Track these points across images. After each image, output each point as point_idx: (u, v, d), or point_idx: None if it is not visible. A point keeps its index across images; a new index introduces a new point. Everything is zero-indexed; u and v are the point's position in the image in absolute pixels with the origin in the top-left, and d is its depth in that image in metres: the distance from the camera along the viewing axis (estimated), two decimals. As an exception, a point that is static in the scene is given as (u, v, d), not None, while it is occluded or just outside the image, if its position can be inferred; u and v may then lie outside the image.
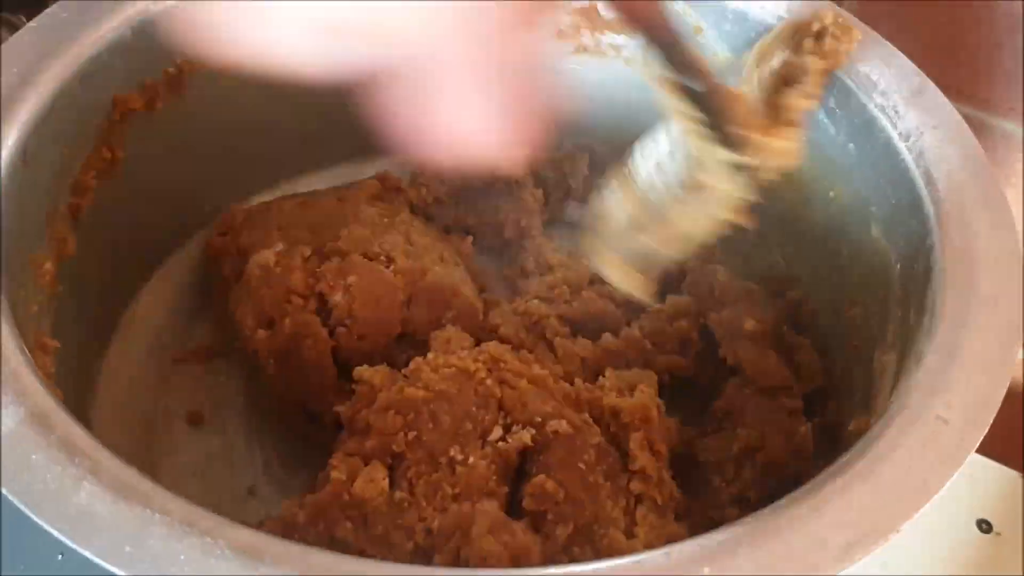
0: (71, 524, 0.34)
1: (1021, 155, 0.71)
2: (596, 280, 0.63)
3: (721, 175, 0.45)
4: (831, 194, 0.57)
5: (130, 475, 0.36)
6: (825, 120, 0.56)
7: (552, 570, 0.35)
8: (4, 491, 0.35)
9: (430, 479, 0.44)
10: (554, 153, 0.70)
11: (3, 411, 0.37)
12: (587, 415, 0.49)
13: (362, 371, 0.50)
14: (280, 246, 0.56)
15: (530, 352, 0.55)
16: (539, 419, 0.46)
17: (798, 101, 0.50)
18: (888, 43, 0.56)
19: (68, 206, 0.52)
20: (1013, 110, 0.70)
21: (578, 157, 0.70)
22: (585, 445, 0.46)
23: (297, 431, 0.55)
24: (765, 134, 0.45)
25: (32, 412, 0.37)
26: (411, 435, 0.45)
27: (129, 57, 0.53)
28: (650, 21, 0.41)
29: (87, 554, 0.33)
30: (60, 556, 0.55)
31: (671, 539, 0.43)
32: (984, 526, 0.64)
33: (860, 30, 0.55)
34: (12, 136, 0.47)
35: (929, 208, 0.48)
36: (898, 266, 0.49)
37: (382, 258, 0.56)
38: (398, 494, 0.43)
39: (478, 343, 0.53)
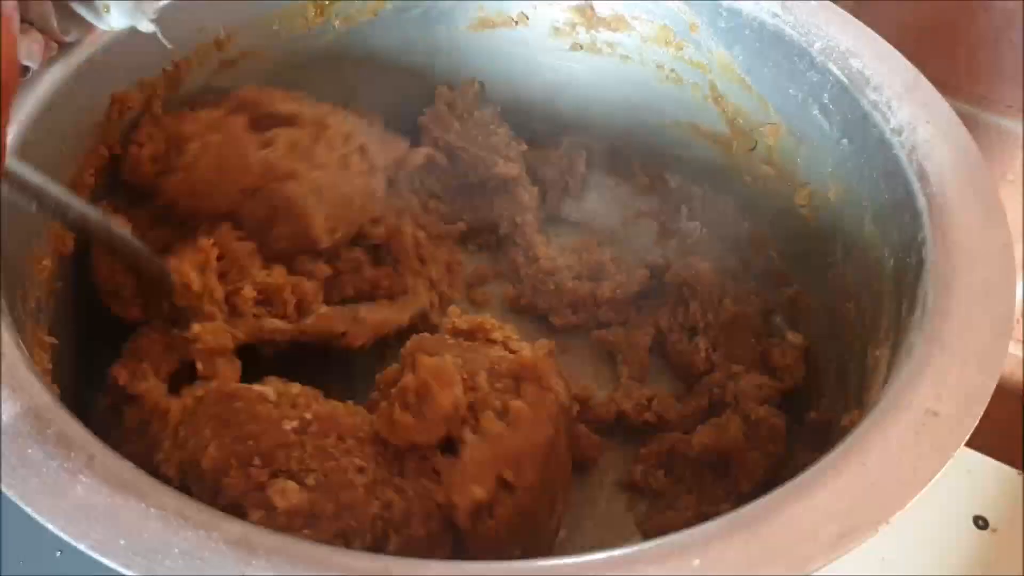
0: (67, 518, 0.34)
1: (1020, 151, 0.72)
2: (584, 276, 0.64)
3: None
4: (825, 189, 0.57)
5: (125, 470, 0.36)
6: (819, 116, 0.56)
7: (541, 562, 0.35)
8: (1, 486, 0.35)
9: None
10: (551, 150, 0.71)
11: (0, 406, 0.37)
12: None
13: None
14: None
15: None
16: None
17: None
18: (881, 39, 0.56)
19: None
20: (1010, 107, 0.70)
21: (575, 155, 0.70)
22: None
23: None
24: None
25: (29, 407, 0.38)
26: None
27: (126, 55, 0.54)
28: None
29: (82, 548, 0.34)
30: (59, 553, 0.55)
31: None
32: (980, 523, 0.64)
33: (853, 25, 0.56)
34: (11, 134, 0.47)
35: (922, 203, 0.48)
36: (891, 260, 0.50)
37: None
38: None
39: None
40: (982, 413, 0.39)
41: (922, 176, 0.49)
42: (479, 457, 0.45)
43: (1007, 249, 0.45)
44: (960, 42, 0.69)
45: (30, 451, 0.36)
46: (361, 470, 0.45)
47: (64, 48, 0.51)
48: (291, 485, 0.43)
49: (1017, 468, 0.66)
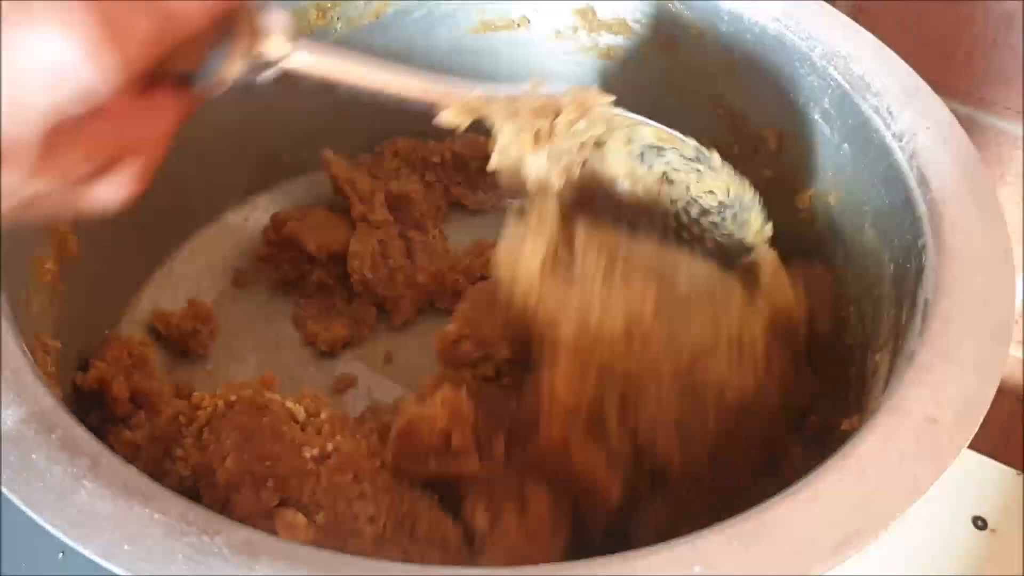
0: (71, 523, 0.34)
1: (1018, 152, 0.72)
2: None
3: None
4: (825, 194, 0.58)
5: (130, 474, 0.36)
6: (820, 121, 0.56)
7: (541, 569, 0.35)
8: (4, 490, 0.35)
9: None
10: None
11: (3, 411, 0.38)
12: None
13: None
14: None
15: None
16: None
17: None
18: (883, 44, 0.56)
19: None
20: (1009, 109, 0.71)
21: None
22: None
23: None
24: None
25: (32, 412, 0.38)
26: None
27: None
28: None
29: (87, 553, 0.34)
30: (61, 555, 0.55)
31: None
32: (980, 523, 0.64)
33: (854, 30, 0.56)
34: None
35: (922, 208, 0.48)
36: (891, 266, 0.50)
37: None
38: None
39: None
40: (981, 420, 0.39)
41: (922, 182, 0.49)
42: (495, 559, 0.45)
43: (1007, 256, 0.45)
44: (959, 44, 0.69)
45: (34, 456, 0.36)
46: (372, 520, 0.44)
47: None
48: (300, 519, 0.43)
49: (1016, 469, 0.66)
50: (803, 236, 0.60)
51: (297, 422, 0.46)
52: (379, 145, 0.69)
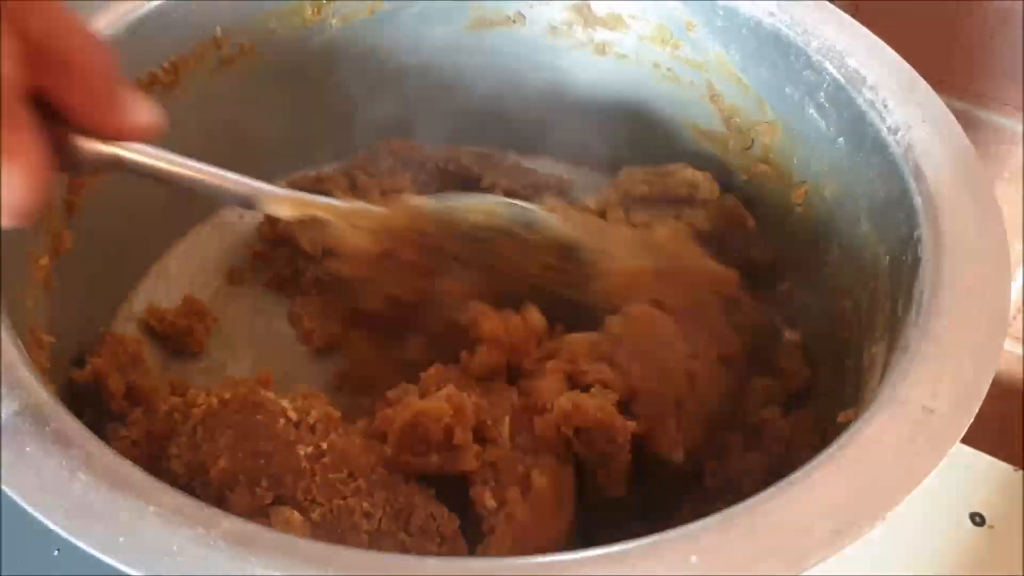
0: (66, 515, 0.34)
1: (1017, 148, 0.72)
2: None
3: None
4: (821, 188, 0.58)
5: (124, 467, 0.36)
6: (815, 115, 0.56)
7: (536, 559, 0.35)
8: (-1, 484, 0.35)
9: None
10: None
11: (-1, 404, 0.38)
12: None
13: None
14: None
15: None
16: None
17: None
18: (878, 38, 0.56)
19: (64, 202, 0.52)
20: (1007, 105, 0.71)
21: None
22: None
23: None
24: None
25: (26, 405, 0.38)
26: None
27: (123, 54, 0.53)
28: None
29: (81, 545, 0.34)
30: (56, 552, 0.55)
31: None
32: (977, 519, 0.64)
33: (849, 25, 0.56)
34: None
35: (917, 201, 0.48)
36: (887, 259, 0.50)
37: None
38: None
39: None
40: (977, 410, 0.39)
41: (918, 175, 0.49)
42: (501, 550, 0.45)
43: (1002, 247, 0.45)
44: (957, 40, 0.69)
45: (28, 448, 0.36)
46: (367, 515, 0.44)
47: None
48: (296, 516, 0.43)
49: (1015, 465, 0.66)
50: (798, 230, 0.60)
51: (291, 420, 0.46)
52: (373, 144, 0.69)
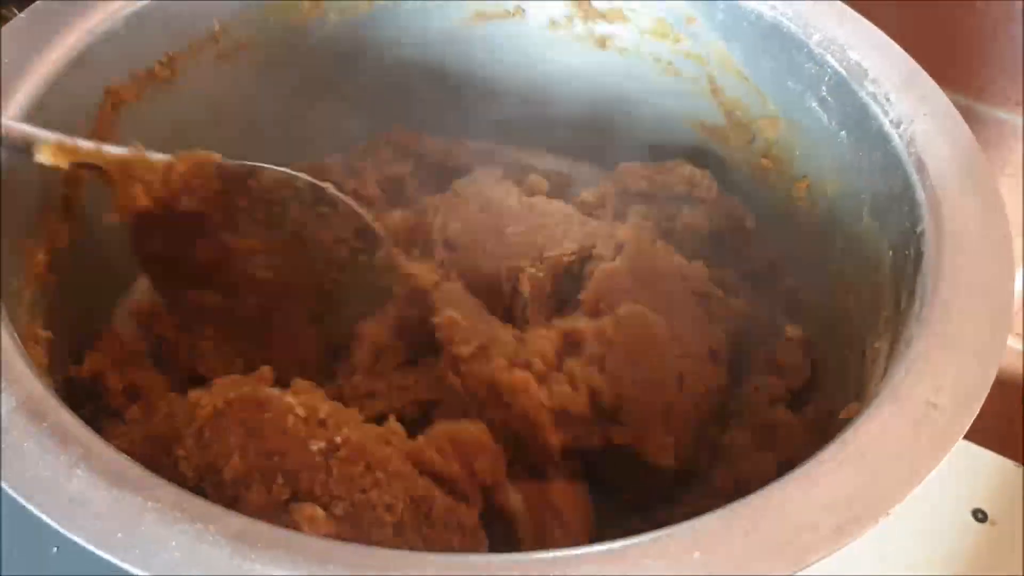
0: (63, 511, 0.34)
1: (1019, 144, 0.72)
2: None
3: None
4: (823, 182, 0.57)
5: (122, 462, 0.36)
6: (817, 109, 0.56)
7: (541, 554, 0.35)
8: (-2, 480, 0.35)
9: None
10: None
11: (-4, 400, 0.37)
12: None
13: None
14: None
15: None
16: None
17: None
18: (880, 31, 0.56)
19: (61, 197, 0.52)
20: (1008, 99, 0.70)
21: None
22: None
23: None
24: None
25: (24, 400, 0.38)
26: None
27: (121, 48, 0.54)
28: None
29: (79, 540, 0.34)
30: (55, 549, 0.55)
31: None
32: (979, 515, 0.64)
33: (851, 18, 0.56)
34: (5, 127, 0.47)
35: (920, 195, 0.48)
36: (890, 253, 0.50)
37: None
38: None
39: None
40: (981, 405, 0.39)
41: (921, 168, 0.49)
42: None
43: (1006, 241, 0.45)
44: (958, 35, 0.69)
45: (26, 444, 0.36)
46: (389, 508, 0.44)
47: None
48: (319, 512, 0.42)
49: (1017, 461, 0.66)
50: (800, 225, 0.60)
51: (300, 417, 0.46)
52: (372, 137, 0.69)
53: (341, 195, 0.54)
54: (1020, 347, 0.78)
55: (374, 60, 0.65)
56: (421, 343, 0.55)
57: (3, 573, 0.54)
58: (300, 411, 0.46)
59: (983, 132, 0.72)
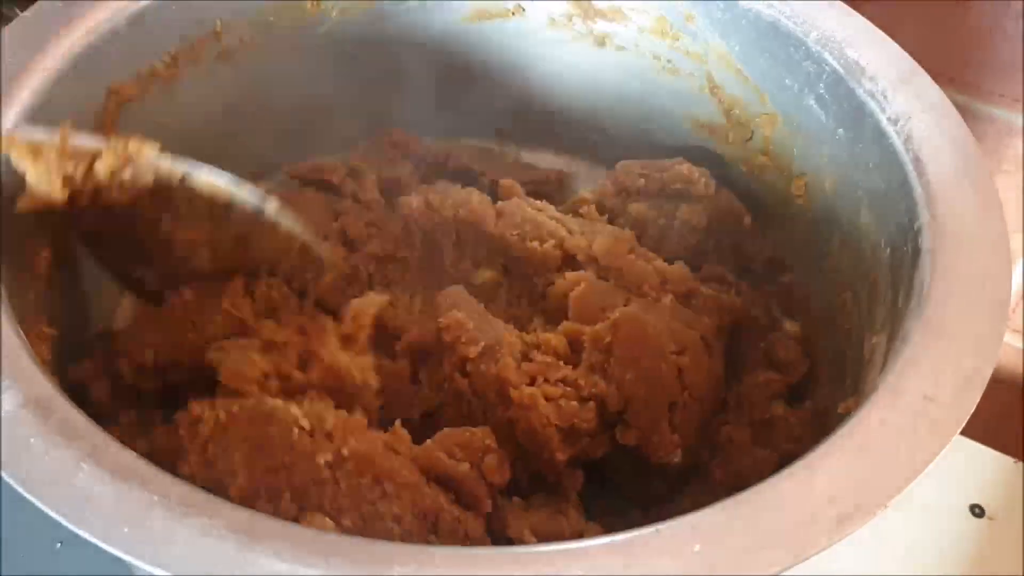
0: (70, 507, 0.34)
1: (1016, 141, 0.72)
2: None
3: None
4: (821, 179, 0.58)
5: (128, 458, 0.36)
6: (815, 106, 0.56)
7: (543, 547, 0.35)
8: (3, 474, 0.35)
9: None
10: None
11: (2, 395, 0.38)
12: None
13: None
14: None
15: None
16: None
17: None
18: (877, 28, 0.56)
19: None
20: (1005, 97, 0.71)
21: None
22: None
23: None
24: None
25: (30, 396, 0.38)
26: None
27: (124, 47, 0.54)
28: None
29: (85, 535, 0.34)
30: (59, 545, 0.55)
31: None
32: (977, 511, 0.64)
33: (848, 15, 0.56)
34: (8, 125, 0.47)
35: (918, 191, 0.48)
36: (887, 249, 0.50)
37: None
38: None
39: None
40: (979, 399, 0.40)
41: (918, 165, 0.49)
42: None
43: (1003, 236, 0.45)
44: (956, 32, 0.69)
45: (32, 440, 0.36)
46: (397, 519, 0.44)
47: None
48: (328, 523, 0.42)
49: (1014, 457, 0.66)
50: (799, 222, 0.60)
51: (305, 430, 0.45)
52: (373, 136, 0.69)
53: (284, 218, 0.52)
54: (1018, 344, 0.79)
55: (374, 59, 0.65)
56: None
57: (6, 569, 0.54)
58: (305, 423, 0.45)
59: (980, 129, 0.72)
